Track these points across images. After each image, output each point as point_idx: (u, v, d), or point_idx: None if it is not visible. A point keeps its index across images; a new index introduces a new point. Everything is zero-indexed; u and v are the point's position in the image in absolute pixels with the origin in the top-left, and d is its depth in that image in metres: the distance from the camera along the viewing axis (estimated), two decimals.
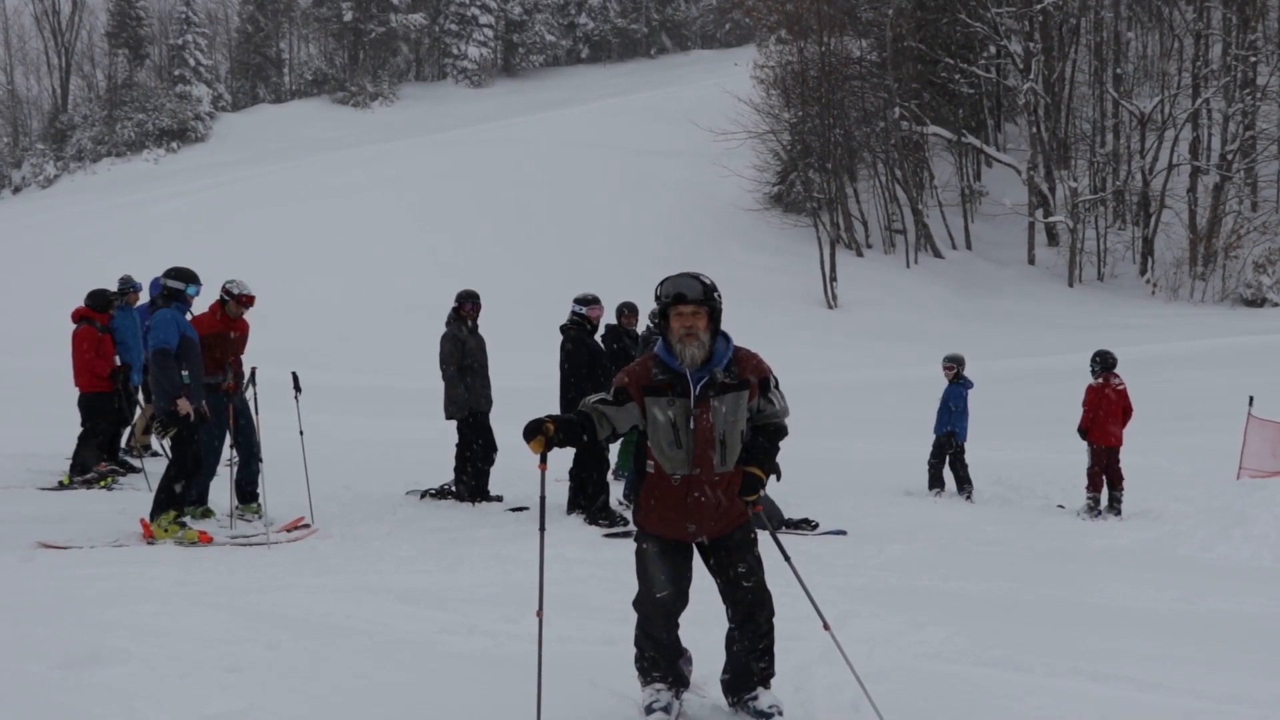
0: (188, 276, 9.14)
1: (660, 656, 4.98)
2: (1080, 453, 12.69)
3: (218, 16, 75.58)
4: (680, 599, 4.93)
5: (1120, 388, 12.54)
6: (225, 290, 9.82)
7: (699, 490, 4.80)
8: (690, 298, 4.74)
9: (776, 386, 4.92)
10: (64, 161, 59.64)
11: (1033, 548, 10.03)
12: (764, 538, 5.02)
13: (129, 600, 6.61)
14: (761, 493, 4.87)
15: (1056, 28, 43.30)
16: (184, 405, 8.69)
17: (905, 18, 43.66)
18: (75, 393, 11.67)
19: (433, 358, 11.39)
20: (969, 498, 12.99)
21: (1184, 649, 6.29)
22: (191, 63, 65.37)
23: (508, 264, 35.97)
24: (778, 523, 10.13)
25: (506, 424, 11.56)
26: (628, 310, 11.91)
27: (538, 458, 4.73)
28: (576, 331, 10.60)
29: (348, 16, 71.59)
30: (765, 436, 4.90)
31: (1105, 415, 12.39)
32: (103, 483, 11.29)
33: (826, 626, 4.97)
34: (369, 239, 38.04)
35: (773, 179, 44.70)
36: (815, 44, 42.01)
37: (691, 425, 4.76)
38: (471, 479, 11.10)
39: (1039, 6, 41.24)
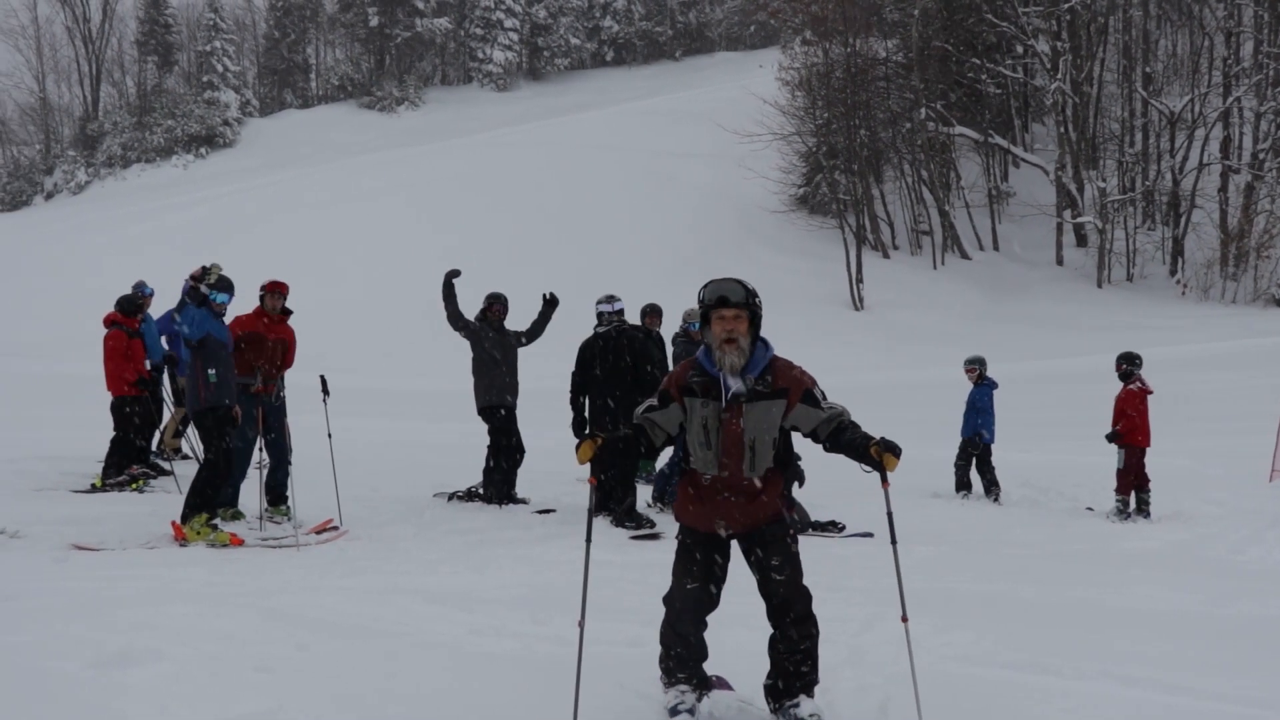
0: (218, 284, 9.21)
1: (687, 655, 4.98)
2: (1108, 454, 12.59)
3: (245, 23, 76.15)
4: (709, 595, 4.93)
5: (1147, 389, 12.51)
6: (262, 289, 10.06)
7: (727, 490, 4.83)
8: (733, 301, 4.75)
9: (824, 397, 4.87)
10: (95, 168, 60.23)
11: (1061, 550, 9.96)
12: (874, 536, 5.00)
13: (160, 601, 6.67)
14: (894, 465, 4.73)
15: (1084, 27, 43.04)
16: None
17: (932, 18, 43.48)
18: (108, 397, 11.78)
19: (457, 361, 11.42)
20: (996, 500, 12.92)
21: (1214, 653, 6.24)
22: (219, 69, 65.87)
23: (532, 266, 35.99)
24: (805, 525, 10.12)
25: (530, 426, 11.63)
26: (650, 311, 11.96)
27: (586, 468, 4.80)
28: (645, 335, 10.82)
29: (374, 22, 71.98)
30: (850, 430, 4.82)
31: (1143, 417, 12.32)
32: (134, 485, 11.38)
33: (905, 618, 4.93)
34: (394, 242, 38.21)
35: (798, 181, 44.64)
36: (840, 45, 41.93)
37: (721, 429, 4.79)
38: (498, 481, 11.13)
39: (1066, 5, 40.98)
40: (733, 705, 5.12)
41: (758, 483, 4.83)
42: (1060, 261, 41.95)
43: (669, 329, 12.41)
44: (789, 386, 4.81)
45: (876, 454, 4.70)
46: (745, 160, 43.44)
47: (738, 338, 4.74)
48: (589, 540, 4.99)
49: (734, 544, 4.99)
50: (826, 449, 4.91)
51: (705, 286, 4.85)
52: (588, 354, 10.63)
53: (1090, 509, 12.51)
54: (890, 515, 4.99)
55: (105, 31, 67.97)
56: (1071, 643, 6.26)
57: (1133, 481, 12.20)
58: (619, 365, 10.44)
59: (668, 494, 11.21)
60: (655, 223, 41.34)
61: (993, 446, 13.21)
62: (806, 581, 4.93)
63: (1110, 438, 12.43)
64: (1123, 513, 12.06)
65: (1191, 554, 9.84)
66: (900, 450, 4.71)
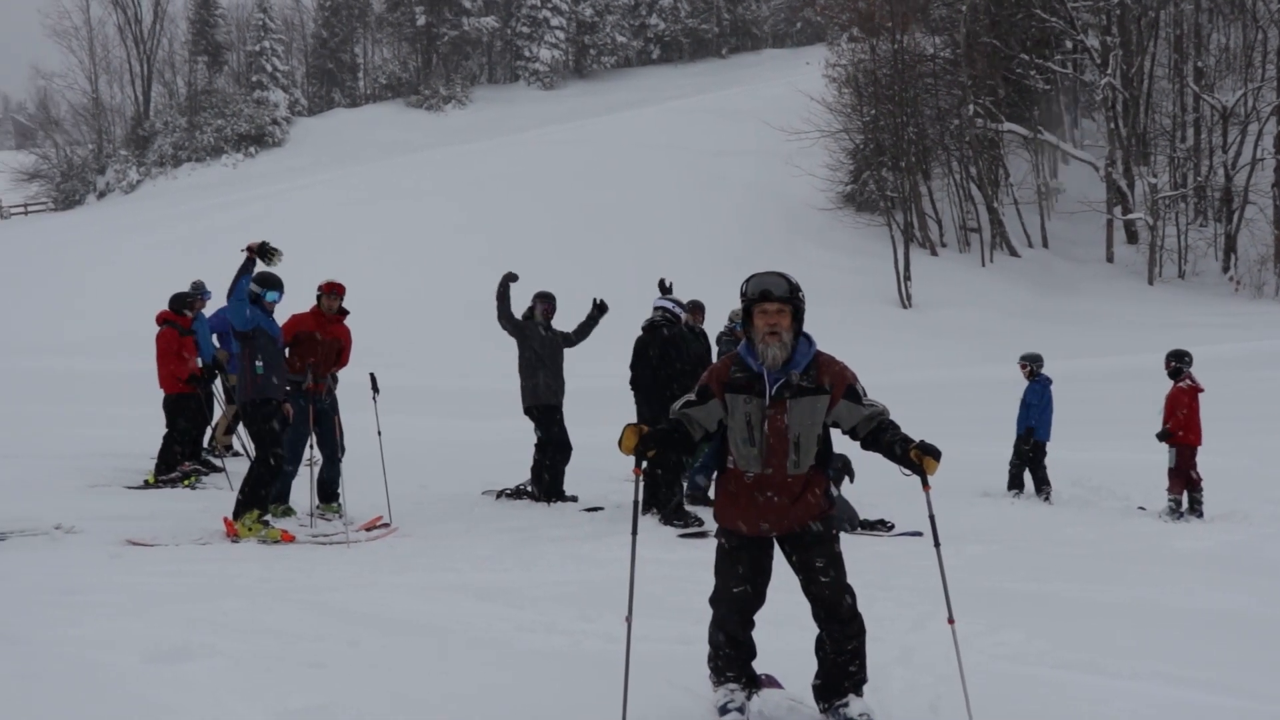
0: (264, 282, 9.29)
1: (735, 655, 4.96)
2: (1160, 453, 12.43)
3: (294, 23, 76.85)
4: (756, 596, 4.91)
5: (1198, 386, 12.34)
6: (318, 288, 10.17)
7: (770, 489, 4.77)
8: (775, 295, 4.71)
9: (865, 394, 4.81)
10: (146, 167, 61.02)
11: (1113, 549, 9.84)
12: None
13: (213, 596, 6.75)
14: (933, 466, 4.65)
15: (1134, 21, 42.52)
16: None
17: (980, 14, 43.12)
18: (160, 394, 11.93)
19: (504, 359, 11.46)
20: (1047, 499, 12.79)
21: (1271, 654, 6.16)
22: (268, 69, 66.56)
23: (579, 265, 36.06)
24: (853, 523, 10.07)
25: (577, 424, 11.65)
26: (693, 308, 11.86)
27: (631, 460, 4.78)
28: (689, 331, 10.80)
29: (421, 21, 72.42)
30: (890, 430, 4.75)
31: (1194, 415, 12.15)
32: (186, 482, 11.53)
33: (951, 620, 4.86)
34: (441, 241, 38.38)
35: (846, 178, 44.42)
36: (888, 41, 41.69)
37: (765, 425, 4.74)
38: (546, 478, 11.16)
39: (1116, 0, 40.51)
40: (783, 704, 5.10)
41: (801, 481, 4.78)
42: (1110, 259, 41.50)
43: (715, 326, 12.36)
44: (832, 382, 4.78)
45: (916, 457, 4.64)
46: (793, 158, 43.30)
47: (780, 332, 4.70)
48: (635, 532, 4.99)
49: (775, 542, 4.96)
50: (864, 446, 4.86)
51: (748, 280, 4.81)
52: (637, 351, 10.65)
53: (1142, 508, 12.34)
54: (932, 518, 4.93)
55: (156, 32, 68.72)
56: (1124, 643, 6.19)
57: (1185, 480, 12.03)
58: (661, 361, 10.45)
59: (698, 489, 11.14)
60: (703, 221, 41.28)
61: (1046, 444, 13.08)
62: (857, 580, 4.90)
63: (1161, 436, 12.27)
64: (1175, 512, 11.89)
65: (1247, 554, 9.69)
66: (940, 453, 4.64)
